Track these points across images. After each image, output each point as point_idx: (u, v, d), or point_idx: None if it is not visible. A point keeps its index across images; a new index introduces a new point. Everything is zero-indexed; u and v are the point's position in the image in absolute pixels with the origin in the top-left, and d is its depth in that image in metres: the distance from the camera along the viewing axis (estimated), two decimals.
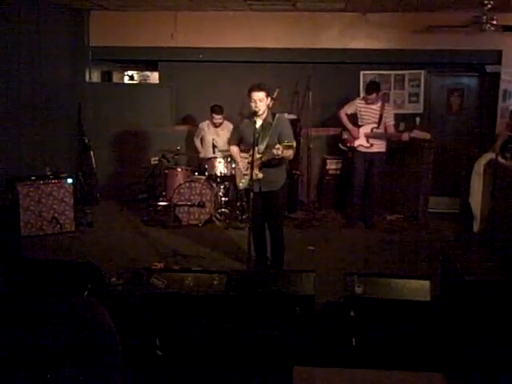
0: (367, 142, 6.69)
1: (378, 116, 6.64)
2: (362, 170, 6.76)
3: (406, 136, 6.54)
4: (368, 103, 6.67)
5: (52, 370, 1.13)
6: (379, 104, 6.67)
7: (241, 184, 4.99)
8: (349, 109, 6.83)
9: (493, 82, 7.90)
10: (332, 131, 7.94)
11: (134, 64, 8.85)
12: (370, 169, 6.76)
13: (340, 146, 7.03)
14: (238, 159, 4.95)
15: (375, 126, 6.65)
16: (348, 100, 7.31)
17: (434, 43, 7.62)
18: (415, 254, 5.74)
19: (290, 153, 4.60)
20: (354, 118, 6.88)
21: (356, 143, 6.74)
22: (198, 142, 7.55)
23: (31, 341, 1.16)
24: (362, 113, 6.73)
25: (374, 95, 6.60)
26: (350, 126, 6.77)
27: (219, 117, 7.21)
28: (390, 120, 6.67)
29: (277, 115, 4.82)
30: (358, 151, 6.75)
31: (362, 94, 7.85)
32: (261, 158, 4.67)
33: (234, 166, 5.81)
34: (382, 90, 6.93)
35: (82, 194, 7.67)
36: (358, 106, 6.78)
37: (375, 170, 6.75)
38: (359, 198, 6.85)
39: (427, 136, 6.56)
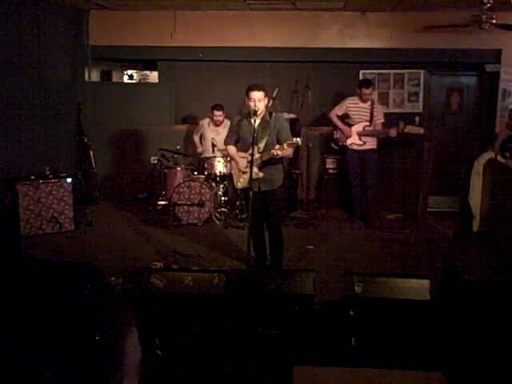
0: (360, 139, 6.78)
1: (369, 114, 6.73)
2: (356, 167, 6.86)
3: (392, 132, 6.58)
4: (363, 99, 6.72)
5: (53, 369, 1.13)
6: (369, 103, 6.75)
7: (239, 184, 4.98)
8: (339, 110, 6.89)
9: (492, 81, 7.90)
10: (331, 130, 7.93)
11: (133, 63, 8.84)
12: (363, 166, 6.83)
13: (332, 145, 7.10)
14: (236, 159, 4.94)
15: (367, 123, 6.75)
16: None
17: (433, 42, 7.62)
18: (415, 253, 5.74)
19: (290, 151, 4.63)
20: (344, 119, 6.94)
21: (349, 142, 6.82)
22: (196, 138, 7.55)
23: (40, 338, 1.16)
24: (353, 112, 6.81)
25: (370, 89, 6.70)
26: (341, 125, 6.84)
27: (220, 113, 7.20)
28: (379, 118, 6.77)
29: (274, 114, 4.82)
30: (350, 149, 6.85)
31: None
32: (261, 156, 4.68)
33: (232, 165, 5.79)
34: (380, 88, 6.97)
35: (82, 193, 7.66)
36: (348, 106, 6.84)
37: (369, 167, 6.84)
38: (358, 195, 6.92)
39: (421, 131, 6.60)
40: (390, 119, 7.09)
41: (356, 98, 6.89)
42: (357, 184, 6.87)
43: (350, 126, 6.82)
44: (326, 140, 7.66)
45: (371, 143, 6.80)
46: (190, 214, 6.74)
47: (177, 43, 7.99)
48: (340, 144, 6.94)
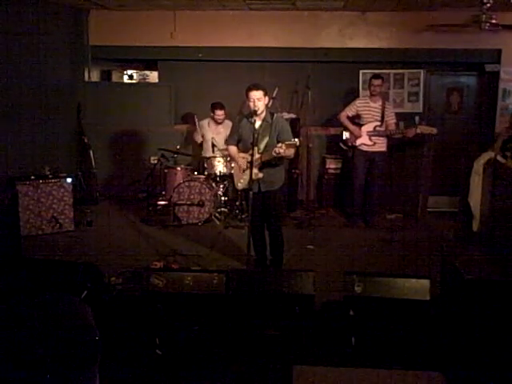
0: (370, 140, 6.68)
1: (380, 114, 6.64)
2: (363, 168, 6.76)
3: (412, 132, 6.54)
4: (373, 95, 6.66)
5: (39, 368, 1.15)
6: (380, 102, 6.68)
7: (240, 184, 4.98)
8: (350, 111, 6.81)
9: (492, 81, 7.90)
10: (331, 130, 7.95)
11: (133, 63, 8.84)
12: (370, 168, 6.76)
13: (341, 145, 7.01)
14: (237, 159, 4.94)
15: (378, 123, 6.65)
16: (347, 99, 7.31)
17: (433, 42, 7.62)
18: (415, 253, 5.74)
19: (291, 152, 4.61)
20: (354, 120, 6.89)
21: (358, 142, 6.72)
22: (198, 137, 7.50)
23: (17, 341, 1.17)
24: (364, 112, 6.72)
25: (380, 80, 6.62)
26: (351, 126, 6.76)
27: (221, 112, 7.20)
28: (391, 118, 6.68)
29: (275, 115, 4.82)
30: (359, 150, 6.74)
31: (361, 94, 7.86)
32: (260, 157, 4.67)
33: (232, 165, 5.80)
34: (382, 86, 6.90)
35: (82, 193, 7.66)
36: (358, 106, 6.77)
37: (376, 170, 6.74)
38: (360, 197, 6.85)
39: (433, 131, 6.55)
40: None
41: (366, 97, 6.84)
42: (360, 186, 6.78)
43: (360, 126, 6.75)
44: (334, 139, 7.63)
45: (381, 145, 6.68)
46: (190, 214, 6.74)
47: (177, 43, 8.00)
48: (349, 144, 6.84)
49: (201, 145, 7.53)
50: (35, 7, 6.91)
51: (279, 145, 4.41)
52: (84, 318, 1.28)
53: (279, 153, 4.40)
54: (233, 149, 5.00)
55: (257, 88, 4.63)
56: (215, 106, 7.20)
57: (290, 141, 4.45)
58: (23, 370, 1.14)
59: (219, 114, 7.20)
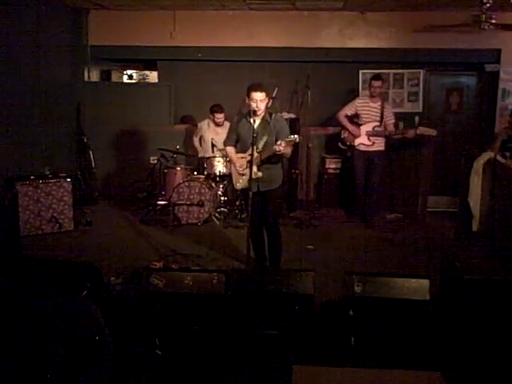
0: (368, 140, 6.70)
1: (379, 114, 6.65)
2: (362, 168, 6.78)
3: (411, 133, 6.55)
4: (373, 96, 6.67)
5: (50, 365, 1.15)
6: (379, 103, 6.69)
7: (238, 184, 4.97)
8: (349, 110, 6.82)
9: (492, 81, 7.91)
10: (331, 130, 7.95)
11: (133, 63, 8.85)
12: (370, 167, 6.77)
13: (340, 145, 7.02)
14: (235, 160, 4.93)
15: (377, 123, 6.66)
16: (347, 99, 7.30)
17: (433, 42, 7.63)
18: (414, 252, 5.74)
19: (289, 150, 4.62)
20: (352, 119, 6.90)
21: (357, 142, 6.74)
22: (196, 142, 7.54)
23: (30, 337, 1.17)
24: (363, 112, 6.73)
25: (380, 81, 6.63)
26: (350, 126, 6.77)
27: (221, 115, 7.20)
28: (390, 119, 6.68)
29: (274, 115, 4.82)
30: (357, 150, 6.76)
31: (361, 94, 7.87)
32: (260, 155, 4.67)
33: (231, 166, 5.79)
34: (383, 87, 6.91)
35: (81, 193, 7.67)
36: (357, 106, 6.78)
37: (375, 169, 6.76)
38: (360, 196, 6.87)
39: (434, 132, 6.56)
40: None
41: (366, 97, 6.85)
42: (360, 185, 6.81)
43: (359, 125, 6.77)
44: (333, 139, 7.64)
45: (379, 144, 6.71)
46: (190, 214, 6.74)
47: (176, 43, 8.01)
48: (347, 144, 6.87)
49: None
50: (35, 7, 6.91)
51: (278, 142, 4.43)
52: (96, 319, 1.29)
53: (279, 150, 4.42)
54: (231, 150, 4.99)
55: (261, 89, 4.62)
56: (215, 109, 7.17)
57: (290, 138, 4.46)
58: (37, 369, 1.15)
59: (219, 117, 7.19)
